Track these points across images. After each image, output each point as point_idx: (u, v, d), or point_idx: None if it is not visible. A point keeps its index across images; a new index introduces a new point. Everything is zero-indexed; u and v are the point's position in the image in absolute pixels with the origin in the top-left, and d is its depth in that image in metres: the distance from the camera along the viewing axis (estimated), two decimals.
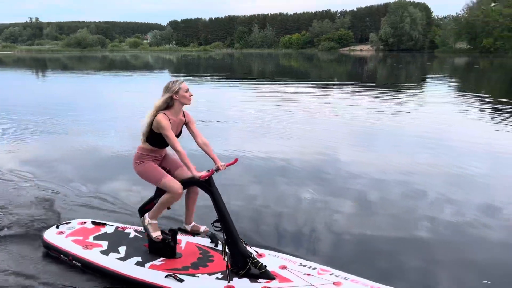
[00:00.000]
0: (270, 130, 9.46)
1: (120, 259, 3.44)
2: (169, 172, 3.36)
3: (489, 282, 3.27)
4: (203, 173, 3.14)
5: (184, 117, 3.37)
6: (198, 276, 3.18)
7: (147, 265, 3.35)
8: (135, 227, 3.99)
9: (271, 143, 8.17)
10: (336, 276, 3.11)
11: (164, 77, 29.98)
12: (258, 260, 3.13)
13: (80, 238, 3.76)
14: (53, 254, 3.68)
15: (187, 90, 3.25)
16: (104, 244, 3.66)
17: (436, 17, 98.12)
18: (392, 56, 65.43)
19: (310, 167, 6.46)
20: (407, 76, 29.14)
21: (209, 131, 9.40)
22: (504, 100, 15.02)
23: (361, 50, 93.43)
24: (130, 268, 3.33)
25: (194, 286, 3.09)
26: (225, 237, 3.14)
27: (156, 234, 3.35)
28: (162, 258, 3.41)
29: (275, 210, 4.81)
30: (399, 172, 6.20)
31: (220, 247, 3.47)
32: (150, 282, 3.15)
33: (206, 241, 3.70)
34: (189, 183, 3.27)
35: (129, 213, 4.66)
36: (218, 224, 3.17)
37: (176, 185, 3.22)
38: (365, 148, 7.97)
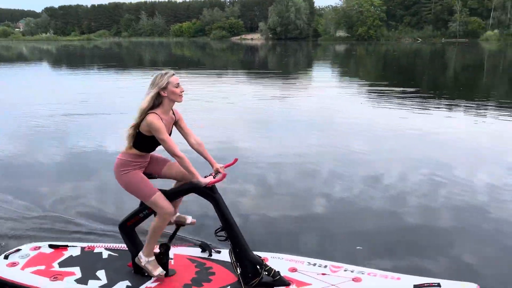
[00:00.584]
0: None
1: (104, 286, 2.91)
2: (154, 176, 2.98)
3: (361, 247, 3.69)
4: (209, 180, 2.81)
5: (174, 114, 2.92)
6: None
7: (150, 284, 2.89)
8: (105, 245, 3.47)
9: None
10: (351, 272, 3.01)
11: (43, 69, 27.18)
12: (270, 267, 2.87)
13: (42, 267, 3.12)
14: None
15: (177, 85, 2.79)
16: (76, 271, 3.08)
17: (318, 7, 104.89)
18: (281, 45, 68.38)
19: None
20: (295, 64, 30.81)
21: (97, 126, 8.87)
22: (377, 83, 16.85)
23: (251, 39, 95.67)
24: None
25: None
26: (232, 246, 2.87)
27: (158, 272, 2.88)
28: (154, 279, 2.94)
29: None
30: (294, 154, 6.60)
31: (214, 257, 3.26)
32: None
33: (196, 251, 3.32)
34: (187, 190, 2.93)
35: (91, 230, 4.06)
36: (222, 233, 2.90)
37: (168, 205, 2.83)
38: (259, 133, 8.28)
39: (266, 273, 2.83)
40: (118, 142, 7.07)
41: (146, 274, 2.94)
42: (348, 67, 27.24)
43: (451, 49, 46.60)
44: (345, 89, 15.12)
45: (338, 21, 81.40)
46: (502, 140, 7.51)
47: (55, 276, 3.02)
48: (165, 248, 2.99)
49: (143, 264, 2.91)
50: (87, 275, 3.04)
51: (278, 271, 2.87)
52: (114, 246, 3.44)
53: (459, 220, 4.29)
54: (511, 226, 4.11)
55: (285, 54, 43.48)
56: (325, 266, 3.10)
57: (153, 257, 2.92)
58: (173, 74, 2.80)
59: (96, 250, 3.39)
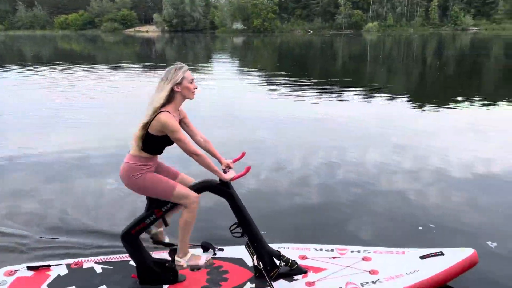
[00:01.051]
0: (57, 121, 8.53)
1: None
2: None
3: (265, 232, 3.89)
4: (233, 175, 2.71)
5: (179, 112, 2.71)
6: None
7: None
8: (94, 259, 3.10)
9: (63, 135, 7.40)
10: (358, 252, 3.10)
11: None
12: (287, 257, 2.85)
13: None
14: None
15: (191, 81, 2.61)
16: None
17: None
18: (178, 37, 67.06)
19: (110, 155, 6.17)
20: (194, 56, 30.52)
21: None
22: (275, 73, 17.55)
23: (147, 31, 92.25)
24: None
25: None
26: (249, 241, 2.80)
27: (203, 260, 2.78)
28: (165, 287, 2.73)
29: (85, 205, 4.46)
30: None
31: (219, 255, 3.12)
32: None
33: (198, 252, 3.00)
34: (202, 188, 2.76)
35: (68, 244, 3.56)
36: (237, 230, 2.81)
37: (192, 193, 2.66)
38: None
39: (284, 263, 2.83)
40: None
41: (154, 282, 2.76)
42: (247, 59, 27.85)
43: (338, 40, 50.35)
44: (247, 80, 15.45)
45: (234, 14, 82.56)
46: (386, 123, 8.36)
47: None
48: (174, 253, 2.85)
49: (185, 266, 2.75)
50: None
51: (295, 260, 2.88)
52: (105, 259, 3.11)
53: (355, 195, 4.71)
54: (399, 197, 4.63)
55: (183, 46, 42.79)
56: (332, 250, 3.16)
57: (190, 253, 2.80)
58: (187, 69, 2.62)
59: (85, 266, 3.03)
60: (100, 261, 3.09)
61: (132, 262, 2.91)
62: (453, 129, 7.80)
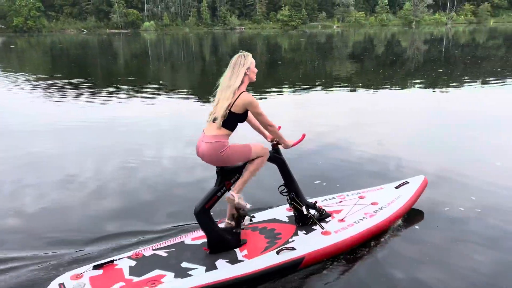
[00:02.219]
0: None
1: (206, 270, 2.90)
2: None
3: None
4: (294, 141, 3.41)
5: None
6: (294, 240, 3.29)
7: (240, 259, 3.05)
8: (149, 247, 3.24)
9: None
10: (352, 195, 4.06)
11: None
12: (318, 206, 3.61)
13: (120, 283, 2.71)
14: None
15: (255, 65, 3.12)
16: (160, 272, 2.86)
17: None
18: None
19: None
20: None
21: None
22: (49, 76, 15.67)
23: None
24: (236, 269, 2.92)
25: (305, 245, 3.17)
26: (295, 196, 3.47)
27: (249, 205, 3.20)
28: (238, 249, 3.18)
29: None
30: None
31: (255, 220, 3.60)
32: (270, 266, 2.96)
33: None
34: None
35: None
36: (283, 189, 3.52)
37: (263, 145, 3.20)
38: None
39: (317, 210, 3.59)
40: None
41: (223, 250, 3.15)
42: (12, 62, 23.92)
43: (117, 40, 48.65)
44: (18, 87, 13.26)
45: None
46: (177, 117, 8.61)
47: (152, 282, 2.76)
48: (237, 219, 3.22)
49: (236, 200, 3.09)
50: (176, 271, 2.91)
51: (323, 208, 3.65)
52: (159, 245, 3.28)
53: (155, 192, 4.70)
54: (196, 188, 4.86)
55: None
56: (334, 198, 4.05)
57: (241, 195, 3.16)
58: (250, 54, 3.09)
59: (146, 254, 3.15)
60: (157, 247, 3.24)
61: (187, 241, 3.31)
62: None
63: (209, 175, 5.12)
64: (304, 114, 8.82)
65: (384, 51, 27.03)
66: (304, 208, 3.49)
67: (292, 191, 3.50)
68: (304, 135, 3.50)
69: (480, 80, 13.22)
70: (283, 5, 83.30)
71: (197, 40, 46.44)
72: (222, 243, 3.16)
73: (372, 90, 12.12)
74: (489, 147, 6.20)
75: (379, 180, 4.71)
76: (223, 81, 3.07)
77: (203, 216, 3.08)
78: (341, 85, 12.89)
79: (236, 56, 3.09)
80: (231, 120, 3.02)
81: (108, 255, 3.31)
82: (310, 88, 12.41)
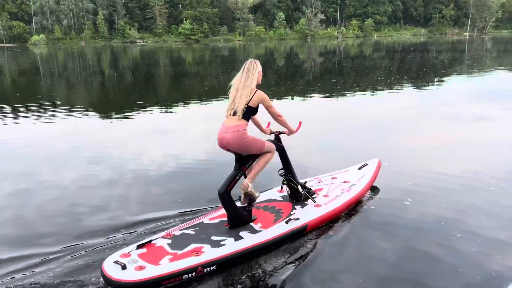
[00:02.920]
0: None
1: (234, 241, 3.49)
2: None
3: None
4: (295, 128, 4.21)
5: None
6: (295, 213, 4.04)
7: (258, 230, 3.70)
8: (176, 227, 3.75)
9: None
10: (326, 177, 4.95)
11: None
12: (307, 186, 4.37)
13: (168, 256, 3.28)
14: (169, 284, 3.07)
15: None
16: (197, 245, 3.46)
17: None
18: None
19: None
20: None
21: None
22: None
23: None
24: (259, 237, 3.56)
25: (305, 216, 3.95)
26: (292, 178, 4.26)
27: (258, 193, 3.89)
28: (253, 223, 3.82)
29: None
30: None
31: (259, 200, 4.17)
32: (284, 232, 3.66)
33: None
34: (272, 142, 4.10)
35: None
36: (282, 172, 4.29)
37: (273, 144, 3.99)
38: None
39: (306, 189, 4.30)
40: None
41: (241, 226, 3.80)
42: None
43: (0, 55, 43.91)
44: None
45: None
46: (74, 137, 7.99)
47: (196, 252, 3.30)
48: (249, 199, 3.89)
49: (249, 189, 3.76)
50: (211, 242, 3.46)
51: (310, 187, 4.40)
52: (184, 226, 3.77)
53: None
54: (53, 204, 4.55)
55: None
56: (312, 180, 4.87)
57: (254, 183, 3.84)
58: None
59: (176, 234, 3.61)
60: (183, 227, 3.73)
61: (206, 221, 3.87)
62: (145, 133, 8.33)
63: (111, 194, 4.87)
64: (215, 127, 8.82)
65: (285, 64, 28.38)
66: (299, 187, 4.31)
67: (289, 173, 4.28)
68: (300, 122, 4.25)
69: (370, 87, 14.55)
70: (184, 19, 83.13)
71: (94, 54, 44.00)
72: (240, 219, 3.82)
73: (276, 101, 12.61)
74: (391, 142, 6.85)
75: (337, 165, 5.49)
76: (239, 82, 3.77)
77: (226, 196, 3.71)
78: None
79: (248, 62, 3.83)
80: (248, 113, 3.73)
81: (142, 237, 3.73)
82: (218, 100, 12.48)
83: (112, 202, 4.78)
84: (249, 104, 3.68)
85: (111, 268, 3.05)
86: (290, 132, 4.18)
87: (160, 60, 33.34)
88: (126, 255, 3.25)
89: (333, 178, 4.92)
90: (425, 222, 4.20)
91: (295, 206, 4.22)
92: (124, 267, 3.05)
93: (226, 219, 3.84)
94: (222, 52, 44.04)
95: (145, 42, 78.57)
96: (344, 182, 4.75)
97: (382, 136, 7.71)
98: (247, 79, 3.75)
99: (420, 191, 4.98)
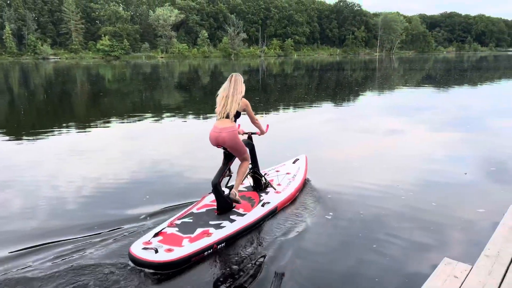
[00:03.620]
0: None
1: (230, 223, 4.31)
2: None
3: None
4: (264, 129, 5.15)
5: None
6: (264, 198, 4.99)
7: (243, 213, 4.58)
8: (174, 218, 4.39)
9: None
10: (271, 170, 5.93)
11: None
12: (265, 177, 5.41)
13: (185, 240, 3.92)
14: (196, 259, 3.78)
15: None
16: (203, 228, 4.16)
17: None
18: None
19: None
20: None
21: None
22: None
23: None
24: (247, 218, 4.46)
25: (273, 200, 4.93)
26: (258, 171, 5.19)
27: (240, 200, 4.73)
28: (236, 209, 4.66)
29: None
30: None
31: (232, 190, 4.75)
32: (262, 214, 4.62)
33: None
34: (247, 145, 4.92)
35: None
36: (250, 166, 5.11)
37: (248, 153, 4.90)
38: None
39: (264, 180, 5.29)
40: None
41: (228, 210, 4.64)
42: None
43: None
44: None
45: None
46: None
47: (207, 234, 4.04)
48: (230, 188, 4.79)
49: (236, 197, 4.61)
50: (212, 226, 4.24)
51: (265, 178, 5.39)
52: (180, 216, 4.45)
53: None
54: None
55: None
56: (266, 174, 5.63)
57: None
58: None
59: (177, 223, 4.29)
60: (180, 217, 4.42)
61: (195, 211, 4.60)
62: (60, 154, 7.80)
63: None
64: (139, 145, 8.55)
65: (210, 81, 28.51)
66: (263, 178, 5.24)
67: (255, 167, 5.18)
68: (268, 125, 5.20)
69: (292, 105, 15.16)
70: (103, 35, 80.00)
71: (1, 71, 40.43)
72: (226, 206, 4.58)
73: (201, 118, 12.58)
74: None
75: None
76: (228, 91, 4.47)
77: (218, 187, 4.44)
78: (171, 114, 12.99)
79: (234, 75, 4.56)
80: (236, 116, 4.50)
81: (147, 230, 4.25)
82: (140, 119, 12.13)
83: (26, 226, 4.40)
84: (237, 109, 4.47)
85: (144, 254, 3.66)
86: (262, 132, 5.11)
87: (77, 78, 31.62)
88: (148, 242, 3.83)
89: (277, 171, 5.93)
90: (347, 227, 4.50)
91: (261, 194, 5.15)
92: (156, 251, 3.67)
93: (210, 208, 4.65)
94: (144, 69, 43.01)
95: (59, 58, 74.06)
96: (287, 173, 5.76)
97: (303, 149, 8.02)
98: (236, 89, 4.49)
99: (340, 200, 5.29)
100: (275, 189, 5.21)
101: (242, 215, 4.54)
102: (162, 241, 3.87)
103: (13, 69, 44.02)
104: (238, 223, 4.34)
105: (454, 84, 23.76)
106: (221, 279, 3.56)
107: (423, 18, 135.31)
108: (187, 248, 3.77)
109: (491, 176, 6.26)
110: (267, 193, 5.15)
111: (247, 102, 4.53)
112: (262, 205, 4.76)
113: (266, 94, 19.28)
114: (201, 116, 12.72)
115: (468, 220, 4.67)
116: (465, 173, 6.35)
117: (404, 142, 8.75)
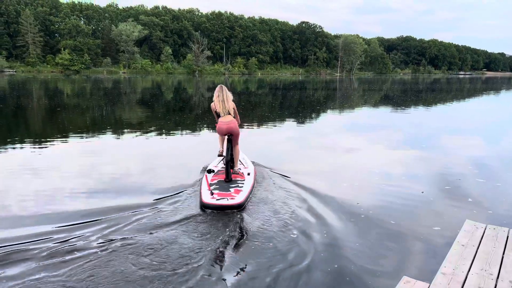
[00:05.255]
0: None
1: (243, 184, 6.27)
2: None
3: None
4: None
5: None
6: (243, 171, 6.78)
7: (243, 180, 6.53)
8: (206, 187, 6.04)
9: None
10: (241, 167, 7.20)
11: None
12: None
13: (229, 191, 5.94)
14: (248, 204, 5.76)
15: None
16: (231, 191, 5.98)
17: None
18: None
19: None
20: None
21: None
22: None
23: None
24: (248, 181, 6.44)
25: (247, 170, 6.88)
26: (229, 160, 6.47)
27: (240, 170, 6.80)
28: (236, 178, 6.55)
29: None
30: None
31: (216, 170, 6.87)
32: (254, 177, 6.74)
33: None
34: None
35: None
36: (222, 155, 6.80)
37: None
38: None
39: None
40: None
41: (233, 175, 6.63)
42: None
43: None
44: None
45: None
46: None
47: (239, 190, 5.97)
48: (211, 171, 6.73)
49: (239, 171, 6.70)
50: (236, 186, 6.18)
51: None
52: (208, 187, 6.07)
53: None
54: None
55: None
56: (239, 169, 6.87)
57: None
58: None
59: (212, 188, 6.02)
60: (209, 188, 6.03)
61: (212, 182, 6.35)
62: (11, 171, 7.38)
63: None
64: (99, 161, 8.24)
65: (173, 97, 28.23)
66: (236, 167, 6.78)
67: (228, 155, 6.50)
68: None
69: (256, 123, 15.24)
70: (62, 48, 77.76)
71: None
72: (230, 176, 6.37)
73: (164, 135, 12.36)
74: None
75: None
76: (222, 96, 6.39)
77: (230, 162, 6.47)
78: (132, 131, 12.69)
79: (221, 85, 6.49)
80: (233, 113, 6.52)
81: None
82: (101, 134, 11.75)
83: None
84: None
85: (222, 201, 5.53)
86: (239, 122, 6.73)
87: (34, 91, 30.38)
88: (213, 198, 5.63)
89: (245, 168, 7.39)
90: (305, 245, 4.47)
91: (239, 170, 6.82)
92: (227, 200, 5.57)
93: (219, 179, 6.41)
94: (106, 84, 42.01)
95: (15, 71, 71.13)
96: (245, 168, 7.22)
97: (267, 164, 8.04)
98: (227, 94, 6.43)
99: (299, 218, 5.30)
100: (244, 166, 7.16)
101: (243, 180, 6.42)
102: (219, 194, 5.73)
103: None
104: (248, 183, 6.27)
105: (410, 104, 24.84)
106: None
107: (381, 41, 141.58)
108: (239, 197, 5.67)
109: (445, 194, 6.51)
110: (240, 169, 6.87)
111: (235, 104, 6.55)
112: (248, 174, 6.65)
113: None
114: (164, 132, 12.50)
115: (425, 238, 4.80)
116: (422, 192, 6.57)
117: (363, 160, 8.97)
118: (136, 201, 5.83)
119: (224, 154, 6.58)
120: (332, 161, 8.86)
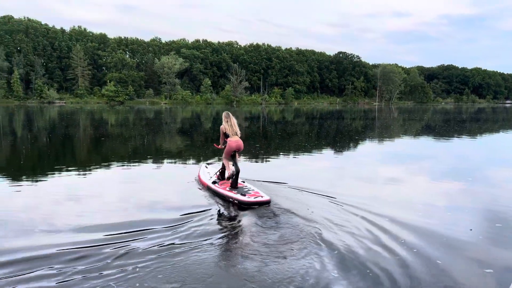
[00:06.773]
0: None
1: (250, 189, 7.95)
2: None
3: None
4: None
5: None
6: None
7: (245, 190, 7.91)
8: (226, 194, 7.66)
9: None
10: (249, 187, 8.18)
11: None
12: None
13: (249, 193, 7.61)
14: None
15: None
16: (247, 192, 7.66)
17: None
18: None
19: None
20: None
21: None
22: None
23: None
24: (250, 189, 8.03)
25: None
26: (237, 170, 7.93)
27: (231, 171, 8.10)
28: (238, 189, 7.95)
29: None
30: None
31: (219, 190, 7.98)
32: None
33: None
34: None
35: None
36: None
37: None
38: None
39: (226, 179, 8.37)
40: None
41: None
42: None
43: None
44: None
45: None
46: None
47: (254, 196, 7.40)
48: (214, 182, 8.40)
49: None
50: (248, 191, 7.76)
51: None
52: (227, 194, 7.60)
53: None
54: None
55: None
56: (243, 181, 8.46)
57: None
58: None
59: (235, 192, 7.69)
60: (231, 191, 7.73)
61: (228, 188, 7.92)
62: (57, 198, 7.66)
63: None
64: (135, 189, 8.44)
65: (211, 126, 28.78)
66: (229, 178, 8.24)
67: (224, 168, 8.27)
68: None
69: (292, 152, 15.16)
70: (108, 80, 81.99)
71: (6, 114, 40.99)
72: (235, 184, 7.89)
73: (202, 162, 12.51)
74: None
75: None
76: (231, 121, 8.23)
77: (238, 172, 7.92)
78: (171, 160, 12.96)
79: (227, 112, 8.27)
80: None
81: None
82: (141, 163, 12.08)
83: None
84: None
85: (244, 198, 7.19)
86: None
87: (80, 121, 31.97)
88: (244, 196, 7.31)
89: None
90: (345, 280, 4.26)
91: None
92: (262, 198, 7.19)
93: (227, 190, 7.79)
94: (148, 115, 43.59)
95: (64, 102, 75.47)
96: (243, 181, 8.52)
97: (306, 194, 7.89)
98: (234, 120, 8.25)
99: (341, 255, 5.11)
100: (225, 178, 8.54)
101: (244, 185, 8.10)
102: (249, 195, 7.31)
103: (17, 112, 44.65)
104: (252, 187, 7.99)
105: (453, 134, 23.95)
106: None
107: (421, 70, 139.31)
108: (264, 195, 7.31)
109: (497, 233, 6.08)
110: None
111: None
112: (243, 182, 8.35)
113: (266, 140, 19.37)
114: (202, 160, 12.68)
115: (476, 281, 4.47)
116: (471, 229, 6.17)
117: (405, 192, 8.63)
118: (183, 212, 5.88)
119: (232, 169, 7.99)
120: (371, 193, 8.56)
